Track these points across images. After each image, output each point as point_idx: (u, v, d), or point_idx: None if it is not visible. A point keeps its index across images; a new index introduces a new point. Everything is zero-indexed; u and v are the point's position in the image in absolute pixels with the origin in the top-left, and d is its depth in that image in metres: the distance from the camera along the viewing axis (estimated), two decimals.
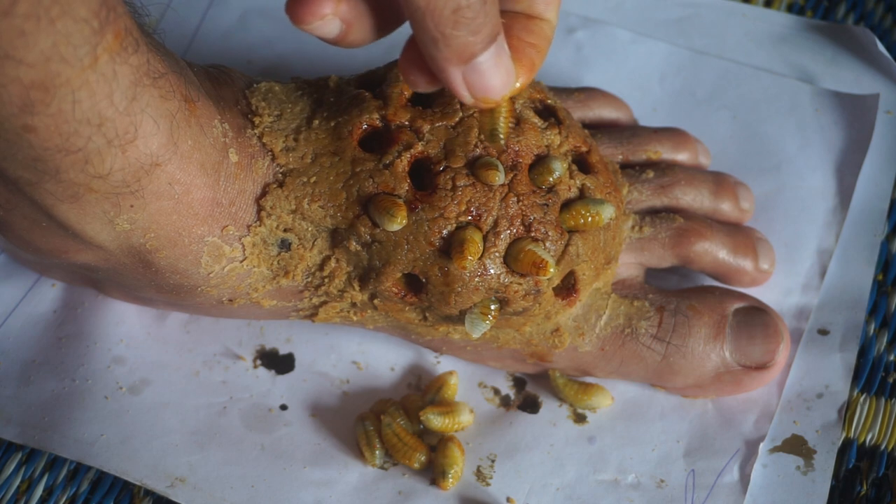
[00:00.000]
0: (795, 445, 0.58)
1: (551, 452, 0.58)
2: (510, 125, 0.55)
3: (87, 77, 0.45)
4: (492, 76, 0.47)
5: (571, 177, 0.56)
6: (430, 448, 0.58)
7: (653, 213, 0.60)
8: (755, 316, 0.59)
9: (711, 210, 0.61)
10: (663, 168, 0.61)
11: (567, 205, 0.55)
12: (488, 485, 0.58)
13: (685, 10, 0.71)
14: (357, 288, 0.55)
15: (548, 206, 0.54)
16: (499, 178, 0.53)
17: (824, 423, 0.59)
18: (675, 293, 0.59)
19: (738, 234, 0.61)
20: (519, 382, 0.61)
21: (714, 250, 0.60)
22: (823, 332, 0.61)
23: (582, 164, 0.57)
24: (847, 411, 0.59)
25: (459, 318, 0.55)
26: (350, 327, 0.61)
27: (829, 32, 0.70)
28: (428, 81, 0.48)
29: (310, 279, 0.56)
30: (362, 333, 0.62)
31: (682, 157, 0.62)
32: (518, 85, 0.48)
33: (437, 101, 0.56)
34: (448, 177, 0.54)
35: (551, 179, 0.55)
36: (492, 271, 0.53)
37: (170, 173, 0.50)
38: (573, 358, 0.58)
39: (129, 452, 0.58)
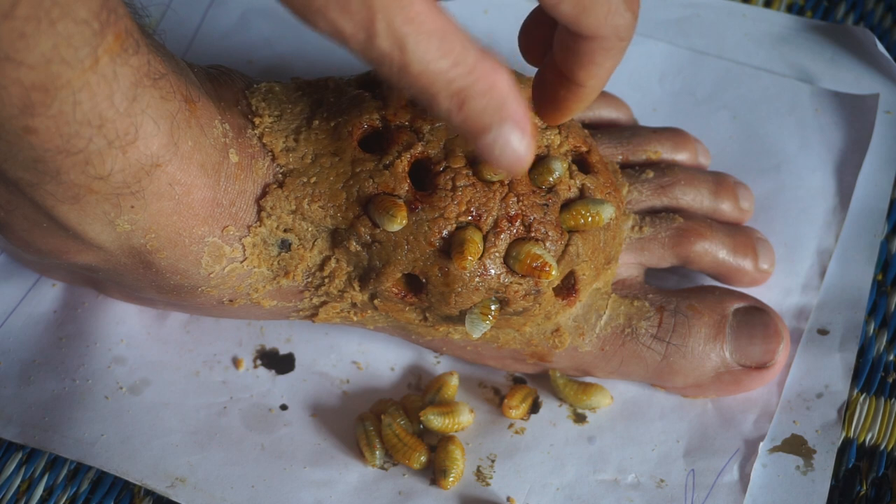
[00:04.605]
0: (795, 445, 0.58)
1: (551, 452, 0.58)
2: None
3: (87, 78, 0.45)
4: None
5: (571, 177, 0.56)
6: (430, 448, 0.58)
7: (653, 213, 0.60)
8: (755, 316, 0.59)
9: (711, 210, 0.61)
10: (663, 168, 0.61)
11: (567, 205, 0.55)
12: (488, 485, 0.58)
13: (685, 10, 0.71)
14: (357, 288, 0.55)
15: (548, 206, 0.54)
16: (499, 171, 0.53)
17: (824, 422, 0.59)
18: (675, 293, 0.59)
19: (738, 233, 0.61)
20: (519, 382, 0.61)
21: (714, 250, 0.60)
22: (823, 331, 0.61)
23: (582, 164, 0.57)
24: (847, 411, 0.59)
25: (460, 319, 0.55)
26: (350, 327, 0.61)
27: (829, 32, 0.70)
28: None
29: (310, 279, 0.56)
30: (362, 333, 0.62)
31: (681, 157, 0.62)
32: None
33: None
34: (448, 177, 0.54)
35: (551, 179, 0.55)
36: (492, 271, 0.53)
37: (170, 174, 0.50)
38: (573, 358, 0.58)
39: (130, 452, 0.58)
